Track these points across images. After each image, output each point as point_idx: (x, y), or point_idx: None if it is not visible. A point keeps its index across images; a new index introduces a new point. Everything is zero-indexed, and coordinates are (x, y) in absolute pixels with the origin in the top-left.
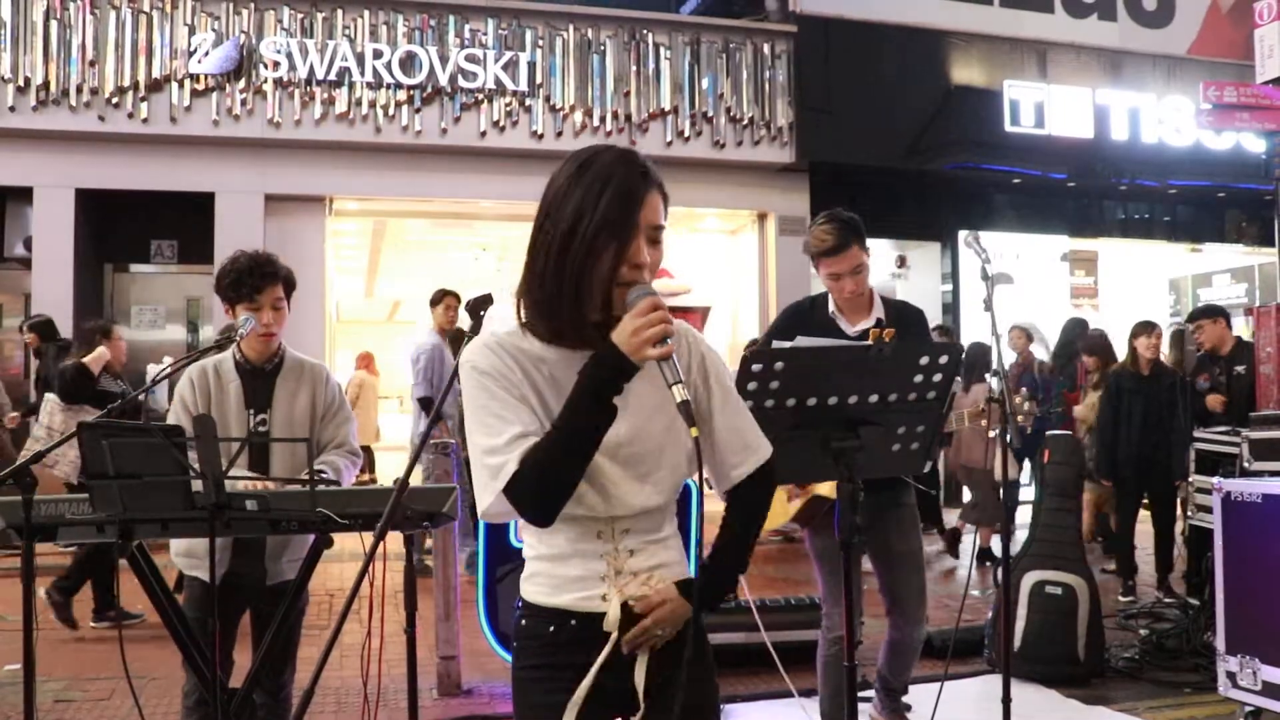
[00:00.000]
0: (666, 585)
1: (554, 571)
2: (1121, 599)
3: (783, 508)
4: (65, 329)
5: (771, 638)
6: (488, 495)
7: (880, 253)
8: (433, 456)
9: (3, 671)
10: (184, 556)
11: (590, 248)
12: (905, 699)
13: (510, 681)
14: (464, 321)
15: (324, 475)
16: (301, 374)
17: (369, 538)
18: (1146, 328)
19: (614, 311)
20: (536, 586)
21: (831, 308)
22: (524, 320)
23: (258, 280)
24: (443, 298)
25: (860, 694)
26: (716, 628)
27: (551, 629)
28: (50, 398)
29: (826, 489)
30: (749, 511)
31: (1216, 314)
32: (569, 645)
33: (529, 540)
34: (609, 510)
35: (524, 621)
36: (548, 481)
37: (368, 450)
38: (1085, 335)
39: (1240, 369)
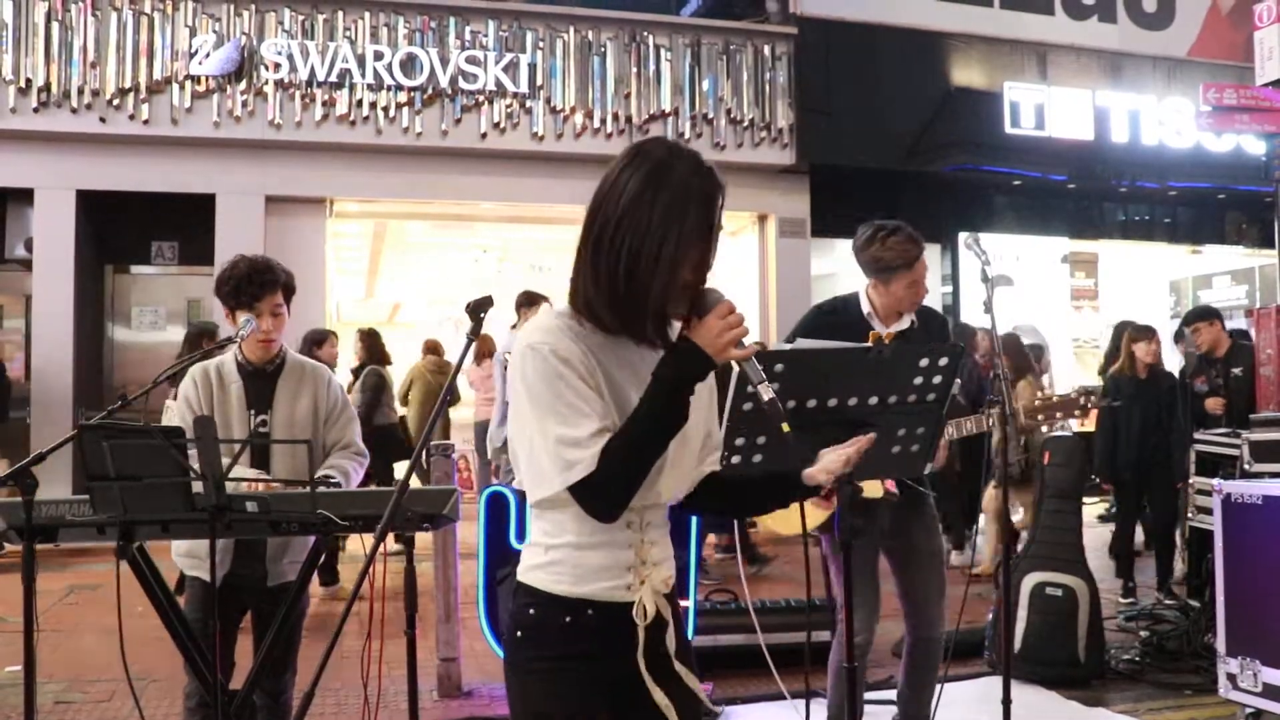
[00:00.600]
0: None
1: (580, 560)
2: (1122, 601)
3: (809, 513)
4: (66, 331)
5: (774, 639)
6: (551, 485)
7: None
8: (434, 458)
9: (3, 673)
10: (186, 557)
11: (677, 255)
12: None
13: (508, 681)
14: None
15: (331, 479)
16: (303, 376)
17: (370, 540)
18: (1145, 333)
19: (673, 313)
20: (555, 575)
21: (867, 309)
22: (584, 312)
23: (256, 288)
24: (534, 301)
25: (869, 696)
26: (716, 629)
27: (567, 619)
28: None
29: (868, 489)
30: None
31: (1212, 316)
32: (583, 635)
33: (549, 529)
34: (643, 500)
35: (531, 611)
36: (624, 481)
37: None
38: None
39: (1237, 371)
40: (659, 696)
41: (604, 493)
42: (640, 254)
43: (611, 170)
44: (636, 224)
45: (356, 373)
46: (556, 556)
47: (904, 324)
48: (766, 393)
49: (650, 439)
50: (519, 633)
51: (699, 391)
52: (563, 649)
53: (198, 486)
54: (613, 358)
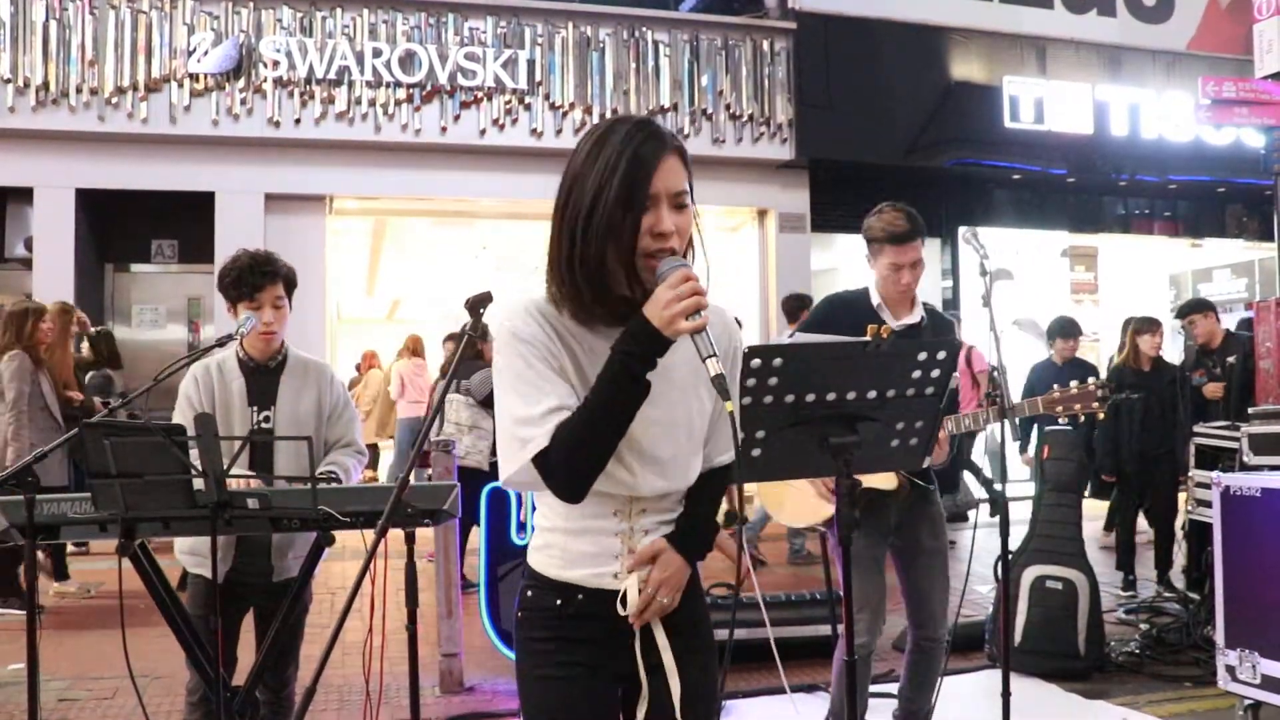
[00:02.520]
0: (651, 543)
1: (567, 545)
2: (1122, 593)
3: (815, 507)
4: None
5: (780, 633)
6: (513, 464)
7: None
8: (434, 454)
9: (6, 671)
10: (188, 554)
11: (609, 223)
12: None
13: (514, 675)
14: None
15: (332, 474)
16: (306, 372)
17: (370, 535)
18: (1150, 325)
19: (645, 287)
20: (547, 558)
21: (876, 300)
22: (554, 294)
23: (257, 279)
24: None
25: (872, 690)
26: (721, 624)
27: (559, 602)
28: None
29: (882, 481)
30: (715, 493)
31: (1207, 308)
32: (575, 619)
33: (544, 511)
34: (630, 490)
35: (530, 592)
36: (578, 459)
37: (373, 448)
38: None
39: (1232, 359)
40: (645, 686)
41: (559, 470)
42: (579, 217)
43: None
44: (580, 189)
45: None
46: (549, 540)
47: (914, 318)
48: (714, 368)
49: (604, 417)
50: (520, 612)
51: (676, 374)
52: (556, 629)
53: (199, 483)
54: (584, 345)
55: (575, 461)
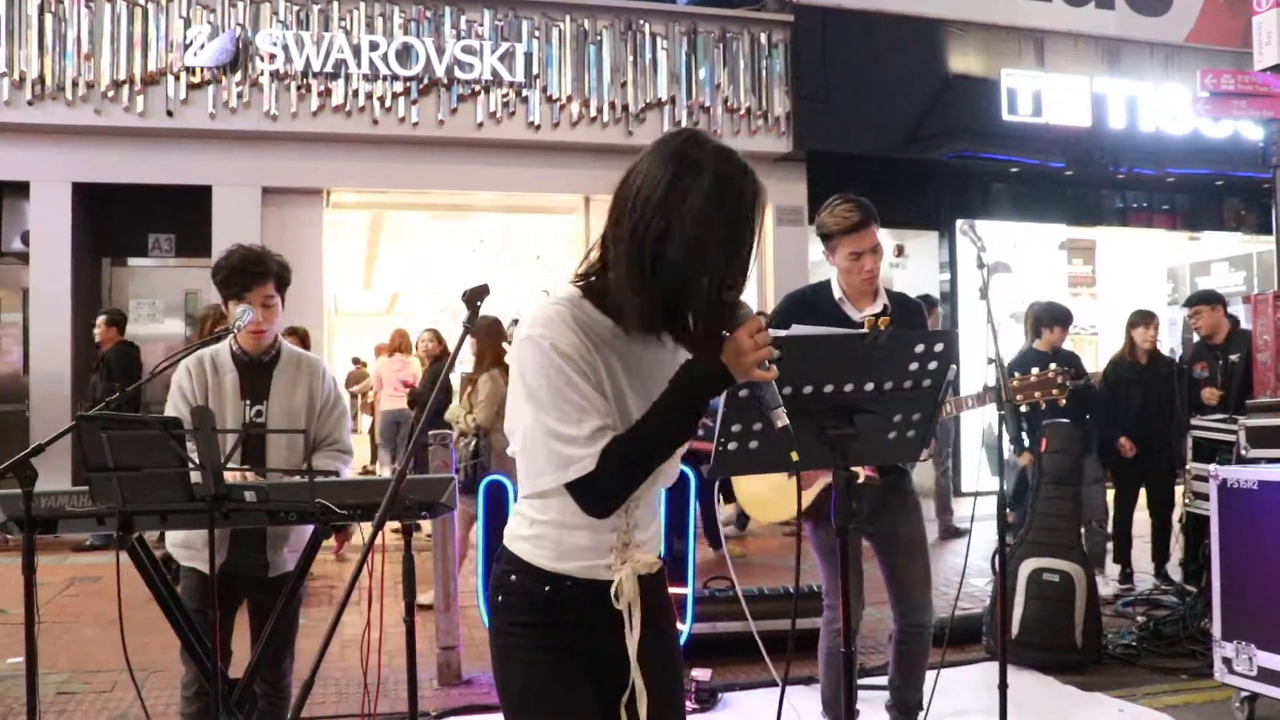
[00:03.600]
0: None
1: (563, 538)
2: (1119, 586)
3: (792, 500)
4: (63, 323)
5: (771, 626)
6: (549, 480)
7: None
8: (433, 447)
9: (5, 664)
10: (181, 547)
11: (709, 256)
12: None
13: (491, 643)
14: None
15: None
16: (299, 367)
17: (368, 529)
18: (1145, 318)
19: (694, 306)
20: (538, 549)
21: (838, 294)
22: (599, 297)
23: (247, 279)
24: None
25: (862, 682)
26: (714, 617)
27: (547, 589)
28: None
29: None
30: None
31: (1215, 300)
32: (562, 605)
33: (540, 506)
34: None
35: (514, 578)
36: (623, 482)
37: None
38: None
39: (1234, 357)
40: (638, 679)
41: (602, 493)
42: (670, 234)
43: (649, 152)
44: (669, 208)
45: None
46: (541, 531)
47: (877, 307)
48: (780, 420)
49: (657, 446)
50: (500, 597)
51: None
52: (543, 615)
53: (196, 477)
54: (616, 351)
55: (622, 484)
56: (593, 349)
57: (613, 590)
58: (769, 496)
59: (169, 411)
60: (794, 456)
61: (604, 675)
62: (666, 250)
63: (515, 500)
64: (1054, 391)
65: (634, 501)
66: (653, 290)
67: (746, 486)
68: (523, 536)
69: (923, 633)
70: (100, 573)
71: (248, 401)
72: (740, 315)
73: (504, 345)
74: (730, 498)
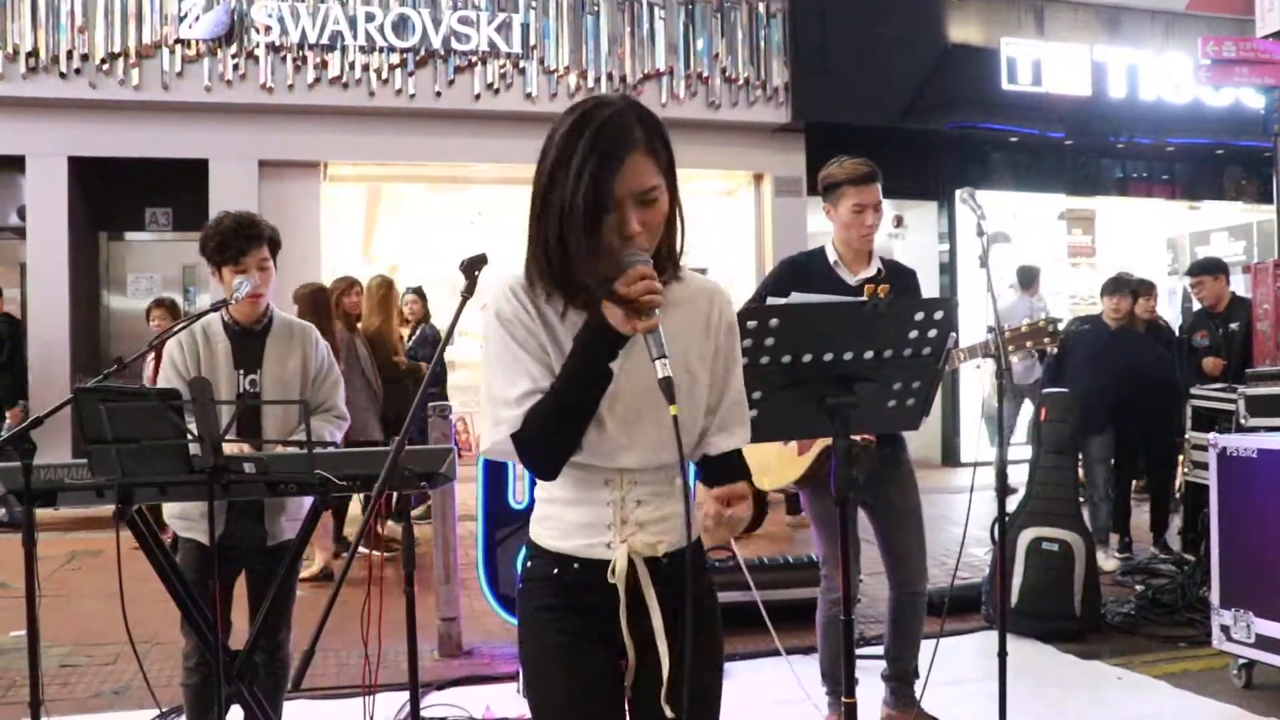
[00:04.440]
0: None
1: (562, 516)
2: (1118, 555)
3: (790, 465)
4: (60, 298)
5: (771, 596)
6: (488, 440)
7: None
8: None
9: (7, 638)
10: (178, 519)
11: (581, 223)
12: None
13: (512, 639)
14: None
15: (321, 440)
16: (292, 335)
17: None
18: (1144, 288)
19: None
20: (546, 530)
21: (833, 258)
22: (530, 277)
23: (242, 243)
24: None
25: (860, 652)
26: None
27: (555, 571)
28: None
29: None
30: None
31: (1218, 270)
32: (573, 588)
33: (543, 485)
34: (615, 463)
35: (530, 563)
36: (545, 443)
37: None
38: None
39: (1234, 326)
40: (661, 647)
41: (530, 451)
42: (557, 211)
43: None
44: (557, 180)
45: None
46: (547, 511)
47: (870, 271)
48: (661, 370)
49: (566, 406)
50: (522, 584)
51: (674, 355)
52: (553, 599)
53: (195, 448)
54: (563, 319)
55: (543, 446)
56: (535, 316)
57: (609, 569)
58: (769, 460)
59: (162, 384)
60: (672, 410)
61: (617, 656)
62: (546, 195)
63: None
64: (1044, 340)
65: (630, 478)
66: (543, 244)
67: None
68: (535, 520)
69: (917, 601)
70: (101, 546)
71: (241, 370)
72: (624, 264)
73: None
74: None
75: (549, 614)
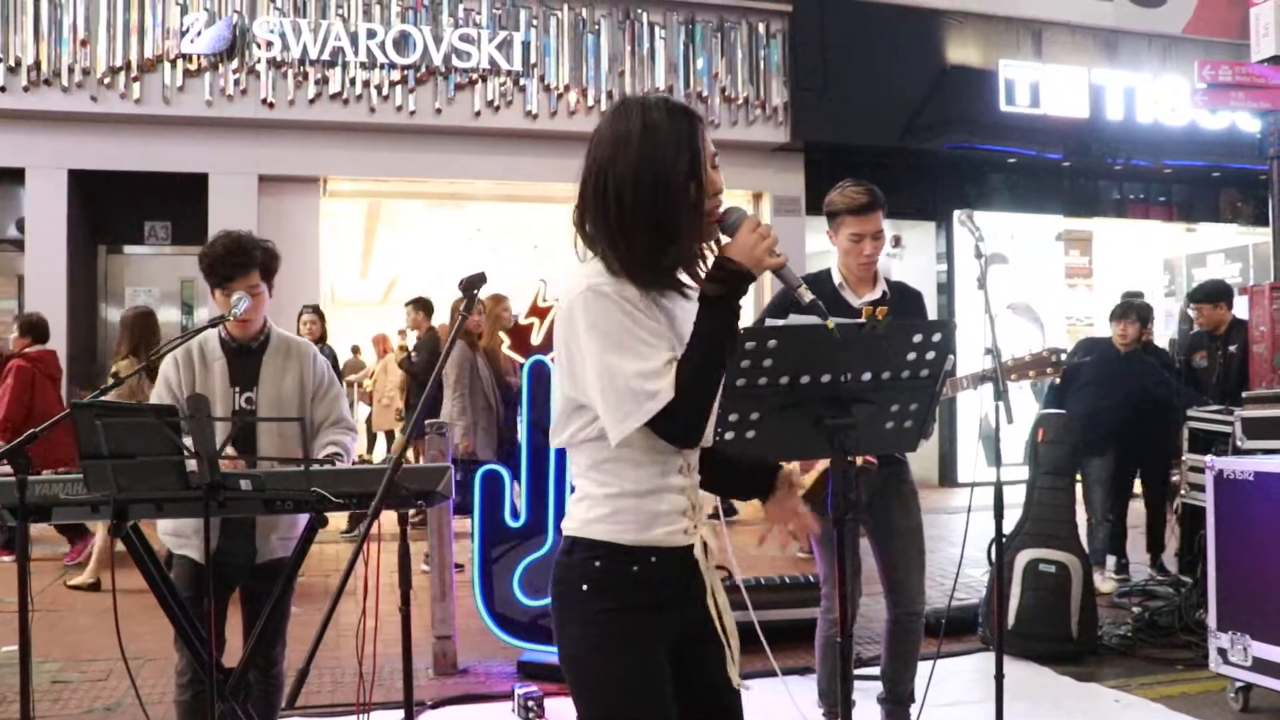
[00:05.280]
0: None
1: (641, 507)
2: (1115, 576)
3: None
4: (59, 310)
5: (768, 616)
6: (633, 421)
7: None
8: (428, 436)
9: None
10: (172, 535)
11: (676, 188)
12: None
13: (507, 657)
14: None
15: (336, 454)
16: (289, 352)
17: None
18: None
19: (694, 240)
20: (620, 525)
21: (838, 279)
22: (619, 272)
23: (229, 269)
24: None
25: (858, 673)
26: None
27: (635, 569)
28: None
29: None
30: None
31: (1218, 299)
32: (648, 585)
33: (603, 479)
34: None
35: (598, 563)
36: (703, 401)
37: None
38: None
39: (1233, 348)
40: (730, 624)
41: (684, 416)
42: (637, 186)
43: (596, 130)
44: (628, 159)
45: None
46: (619, 505)
47: (876, 294)
48: (806, 295)
49: (710, 357)
50: (585, 586)
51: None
52: (631, 599)
53: (192, 465)
54: (654, 311)
55: (700, 403)
56: (644, 296)
57: (697, 551)
58: None
59: (155, 401)
60: (830, 325)
61: (688, 649)
62: (623, 193)
63: (570, 489)
64: (1047, 370)
65: (690, 461)
66: (630, 233)
67: None
68: (597, 518)
69: (915, 622)
70: None
71: (237, 388)
72: (734, 217)
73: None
74: (731, 512)
75: (621, 615)
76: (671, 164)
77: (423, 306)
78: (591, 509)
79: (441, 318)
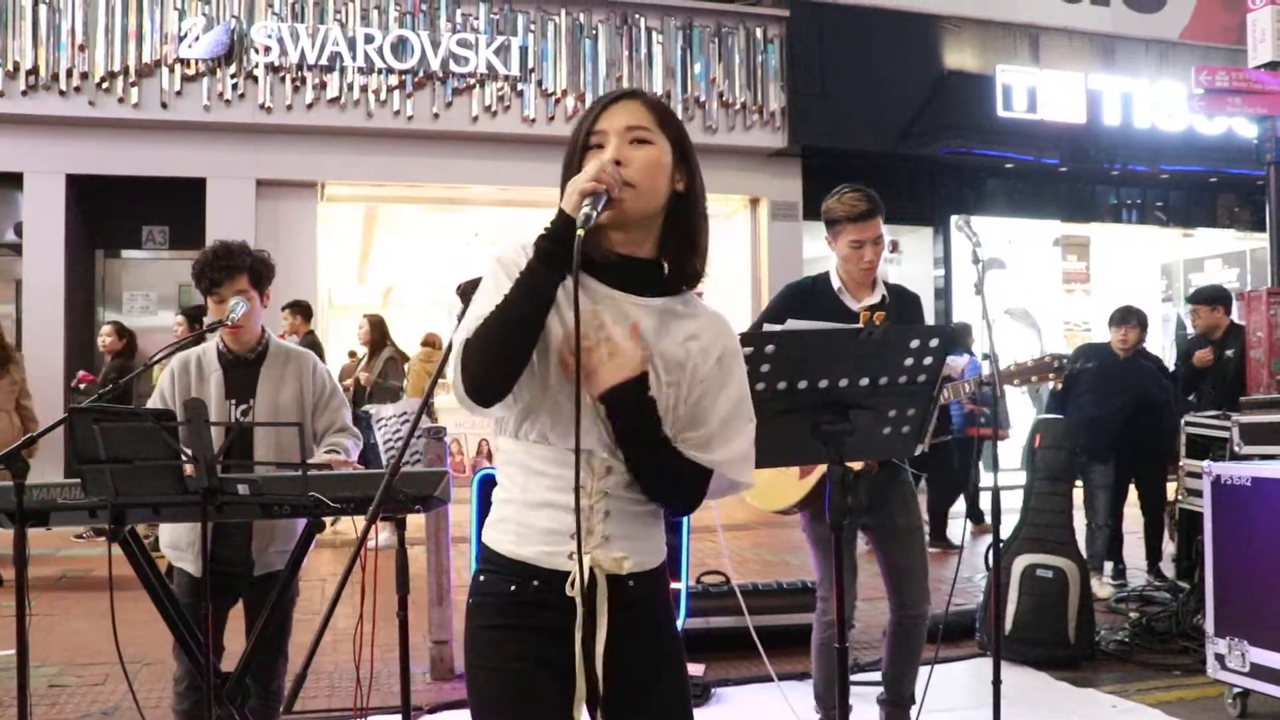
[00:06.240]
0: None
1: (523, 518)
2: (1112, 582)
3: (791, 488)
4: (56, 315)
5: (765, 621)
6: (451, 366)
7: None
8: (426, 440)
9: None
10: (170, 548)
11: (573, 159)
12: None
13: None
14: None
15: (337, 456)
16: (287, 362)
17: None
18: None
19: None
20: (502, 534)
21: (837, 284)
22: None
23: (216, 274)
24: (304, 312)
25: (854, 678)
26: (708, 612)
27: (512, 588)
28: None
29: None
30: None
31: (1215, 301)
32: (528, 606)
33: (504, 483)
34: (567, 441)
35: (482, 577)
36: (484, 351)
37: None
38: None
39: (1230, 353)
40: (580, 684)
41: (474, 357)
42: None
43: None
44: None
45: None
46: (503, 513)
47: (875, 298)
48: (581, 218)
49: (514, 302)
50: (471, 599)
51: (668, 369)
52: (511, 619)
53: (189, 470)
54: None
55: (482, 354)
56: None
57: (568, 581)
58: (771, 481)
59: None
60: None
61: (570, 679)
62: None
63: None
64: (1050, 375)
65: (601, 487)
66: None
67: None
68: (491, 522)
69: (919, 624)
70: (92, 565)
71: (233, 401)
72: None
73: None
74: None
75: (498, 634)
76: (575, 128)
77: (300, 310)
78: (492, 512)
79: (434, 324)
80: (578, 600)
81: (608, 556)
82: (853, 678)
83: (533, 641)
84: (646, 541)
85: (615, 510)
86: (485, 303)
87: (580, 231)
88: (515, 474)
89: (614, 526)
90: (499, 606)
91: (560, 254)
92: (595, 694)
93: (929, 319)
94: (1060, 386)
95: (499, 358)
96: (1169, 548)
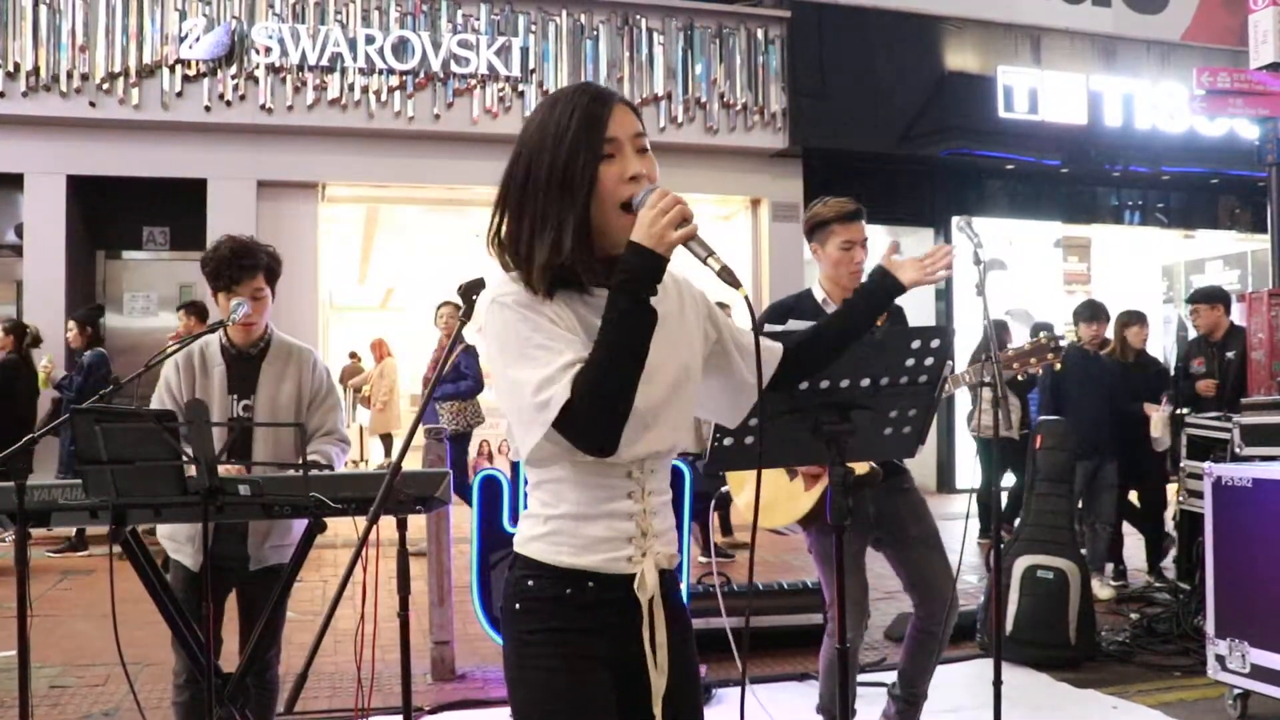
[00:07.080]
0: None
1: (579, 530)
2: (1113, 583)
3: (795, 502)
4: (57, 316)
5: (769, 621)
6: (535, 432)
7: (873, 239)
8: (427, 441)
9: None
10: (167, 540)
11: (574, 182)
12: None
13: (507, 654)
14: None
15: (316, 463)
16: (288, 358)
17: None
18: (1136, 318)
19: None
20: (556, 546)
21: (821, 296)
22: (529, 284)
23: (235, 271)
24: (198, 312)
25: (860, 680)
26: (708, 613)
27: (568, 591)
28: None
29: (857, 466)
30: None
31: (1215, 299)
32: (583, 608)
33: (546, 498)
34: (634, 452)
35: (531, 583)
36: (603, 400)
37: (388, 438)
38: None
39: (1230, 355)
40: (655, 678)
41: (587, 419)
42: (540, 187)
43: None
44: (538, 161)
45: None
46: (556, 526)
47: None
48: (717, 264)
49: (614, 353)
50: (517, 604)
51: (681, 331)
52: (565, 621)
53: (190, 470)
54: (574, 319)
55: (601, 403)
56: (550, 308)
57: (635, 583)
58: (772, 498)
59: (156, 406)
60: (741, 292)
61: (628, 683)
62: (530, 176)
63: (523, 504)
64: (1047, 357)
65: (646, 486)
66: (522, 231)
67: (749, 493)
68: (537, 536)
69: (941, 637)
70: (92, 566)
71: (235, 396)
72: (638, 201)
73: None
74: (728, 530)
75: (553, 636)
76: (562, 147)
77: (195, 311)
78: (534, 526)
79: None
80: (643, 602)
81: (663, 553)
82: (861, 680)
83: (585, 643)
84: (672, 531)
85: (660, 509)
86: (535, 360)
87: (718, 265)
88: (565, 490)
89: (660, 522)
90: (552, 610)
91: (651, 290)
92: (646, 689)
93: (929, 320)
94: (1060, 367)
95: (619, 404)
96: (1170, 549)
